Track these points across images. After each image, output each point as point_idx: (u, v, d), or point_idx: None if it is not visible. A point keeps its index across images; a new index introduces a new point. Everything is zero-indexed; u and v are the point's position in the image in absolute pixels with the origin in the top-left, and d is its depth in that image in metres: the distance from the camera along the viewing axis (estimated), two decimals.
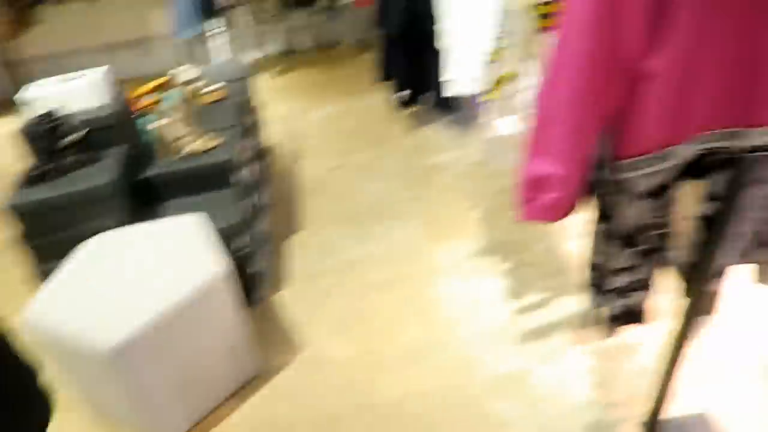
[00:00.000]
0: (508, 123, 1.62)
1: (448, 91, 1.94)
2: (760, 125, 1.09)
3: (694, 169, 1.26)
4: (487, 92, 1.68)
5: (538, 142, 1.17)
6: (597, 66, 1.02)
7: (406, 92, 3.42)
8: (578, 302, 2.05)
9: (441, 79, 2.51)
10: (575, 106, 1.07)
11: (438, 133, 3.47)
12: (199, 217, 2.03)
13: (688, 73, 1.02)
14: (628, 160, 1.15)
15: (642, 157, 1.14)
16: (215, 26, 4.49)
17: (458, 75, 1.84)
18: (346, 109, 3.96)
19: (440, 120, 3.56)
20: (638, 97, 1.07)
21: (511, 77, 1.52)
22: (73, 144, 2.20)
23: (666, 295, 1.50)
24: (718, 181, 1.32)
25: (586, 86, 1.05)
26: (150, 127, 2.40)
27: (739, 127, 1.10)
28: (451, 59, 1.92)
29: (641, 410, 1.61)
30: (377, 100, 3.92)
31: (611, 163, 1.20)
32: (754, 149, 1.14)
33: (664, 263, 1.41)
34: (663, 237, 1.34)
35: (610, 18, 0.97)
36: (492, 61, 1.60)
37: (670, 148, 1.12)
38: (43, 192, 2.09)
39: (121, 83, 2.55)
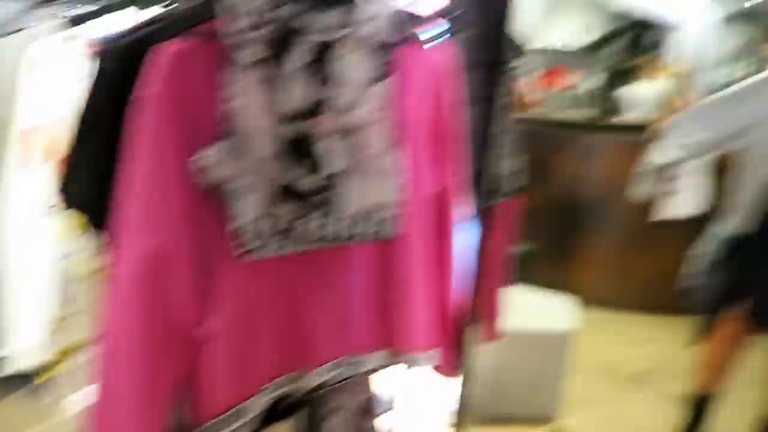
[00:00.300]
0: (80, 398, 1.43)
1: (9, 368, 1.64)
2: (316, 366, 1.20)
3: (278, 413, 1.29)
4: (53, 365, 1.48)
5: (103, 421, 1.03)
6: (149, 335, 0.99)
7: None
8: None
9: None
10: (136, 379, 1.00)
11: (14, 407, 2.87)
12: None
13: (244, 331, 1.08)
14: (207, 424, 1.10)
15: (219, 419, 1.10)
16: None
17: (19, 348, 1.59)
18: None
19: (16, 393, 2.98)
20: (203, 360, 1.06)
21: (77, 348, 1.38)
22: None
23: None
24: (302, 418, 1.38)
25: (144, 357, 0.99)
26: None
27: (298, 371, 1.18)
28: (10, 331, 1.66)
29: None
30: None
31: (192, 430, 1.13)
32: (317, 387, 1.23)
33: None
34: None
35: (153, 286, 0.97)
36: (56, 331, 1.44)
37: (243, 403, 1.12)
38: None
39: None
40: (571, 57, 7.90)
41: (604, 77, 3.81)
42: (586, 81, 8.06)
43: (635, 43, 8.58)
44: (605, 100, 4.61)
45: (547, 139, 3.55)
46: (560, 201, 3.67)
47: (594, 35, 8.09)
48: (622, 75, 6.92)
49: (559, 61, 7.73)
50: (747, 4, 7.10)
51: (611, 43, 7.24)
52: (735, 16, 7.99)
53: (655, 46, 9.80)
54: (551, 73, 7.73)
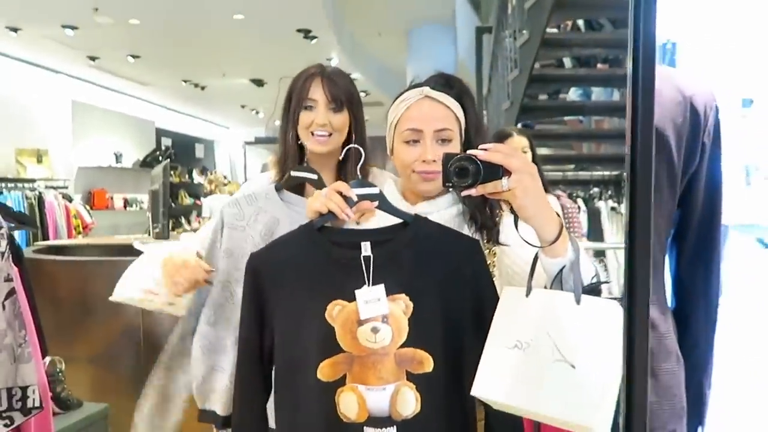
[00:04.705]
0: None
1: None
2: None
3: None
4: None
5: None
6: None
7: None
8: None
9: None
10: None
11: None
12: None
13: None
14: None
15: None
16: None
17: None
18: None
19: None
20: None
21: None
22: None
23: None
24: None
25: None
26: None
27: None
28: None
29: None
30: None
31: None
32: None
33: None
34: None
35: None
36: None
37: None
38: None
39: None
40: (115, 176, 7.56)
41: (157, 194, 3.63)
42: (137, 200, 7.82)
43: (178, 159, 8.87)
44: (159, 218, 4.42)
45: (106, 267, 3.12)
46: (133, 337, 3.24)
47: (139, 153, 7.99)
48: (172, 191, 6.96)
49: (101, 180, 7.28)
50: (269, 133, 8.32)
51: (158, 160, 7.24)
52: (256, 141, 9.24)
53: (201, 162, 10.41)
54: (96, 194, 7.20)
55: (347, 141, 1.31)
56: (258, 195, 1.24)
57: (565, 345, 0.82)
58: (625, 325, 0.73)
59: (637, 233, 0.70)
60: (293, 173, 1.24)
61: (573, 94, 3.79)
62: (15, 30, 5.32)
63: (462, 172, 0.86)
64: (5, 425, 0.93)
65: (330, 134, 1.28)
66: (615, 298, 0.83)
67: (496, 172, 0.85)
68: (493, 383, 0.86)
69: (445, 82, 1.12)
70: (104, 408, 2.05)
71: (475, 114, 1.12)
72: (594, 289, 0.88)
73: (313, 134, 1.28)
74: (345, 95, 1.30)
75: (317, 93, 1.28)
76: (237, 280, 1.18)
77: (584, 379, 0.79)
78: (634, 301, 0.72)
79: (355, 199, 0.99)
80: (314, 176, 1.20)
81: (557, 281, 0.89)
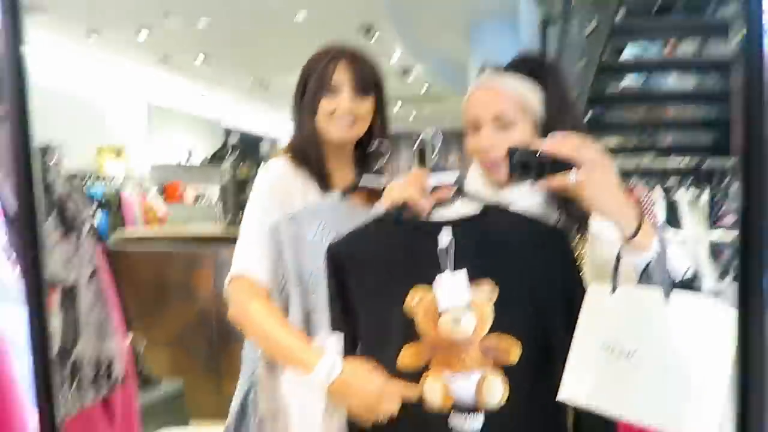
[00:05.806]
0: None
1: None
2: None
3: None
4: None
5: None
6: None
7: None
8: None
9: None
10: None
11: None
12: None
13: None
14: None
15: None
16: None
17: None
18: None
19: None
20: None
21: None
22: None
23: None
24: None
25: None
26: None
27: None
28: None
29: None
30: None
31: None
32: None
33: None
34: None
35: None
36: None
37: None
38: None
39: None
40: (186, 172, 7.87)
41: (227, 189, 3.75)
42: (206, 194, 8.11)
43: (244, 156, 9.13)
44: (229, 211, 4.57)
45: (182, 257, 3.27)
46: (206, 321, 3.37)
47: (207, 150, 8.29)
48: (240, 186, 7.19)
49: (173, 176, 7.60)
50: None
51: (224, 157, 7.49)
52: None
53: (263, 158, 10.69)
54: (169, 188, 7.52)
55: (369, 129, 1.23)
56: (323, 207, 1.13)
57: (655, 347, 0.76)
58: (739, 332, 0.59)
59: (750, 224, 0.59)
60: (363, 182, 1.18)
61: (631, 81, 3.64)
62: (94, 34, 5.62)
63: (526, 166, 0.80)
64: (93, 395, 1.00)
65: (354, 122, 1.17)
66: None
67: (563, 164, 0.79)
68: (580, 387, 0.82)
69: (517, 64, 1.04)
70: (181, 385, 2.15)
71: (558, 95, 1.01)
72: (689, 285, 0.81)
73: (335, 121, 1.16)
74: (372, 79, 1.19)
75: (342, 77, 1.16)
76: (313, 307, 1.08)
77: (677, 382, 0.74)
78: (748, 302, 0.59)
79: (433, 186, 0.96)
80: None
81: (645, 277, 0.82)
